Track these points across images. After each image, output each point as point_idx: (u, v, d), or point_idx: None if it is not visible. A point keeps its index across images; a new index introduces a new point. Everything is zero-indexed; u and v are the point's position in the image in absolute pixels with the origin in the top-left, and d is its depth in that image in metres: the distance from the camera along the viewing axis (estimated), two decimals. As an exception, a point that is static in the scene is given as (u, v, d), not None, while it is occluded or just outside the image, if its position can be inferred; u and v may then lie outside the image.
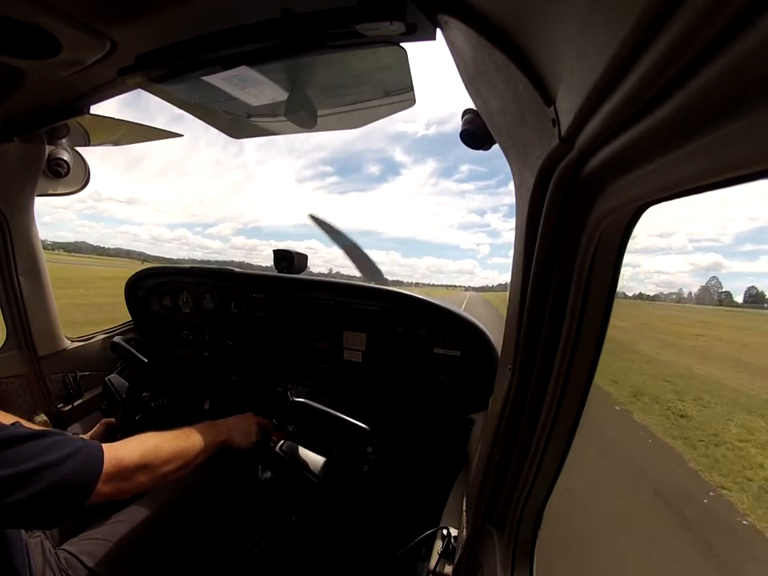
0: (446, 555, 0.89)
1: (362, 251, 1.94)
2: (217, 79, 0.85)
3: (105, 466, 0.76)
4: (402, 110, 1.01)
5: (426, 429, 1.41)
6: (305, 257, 1.64)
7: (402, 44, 0.69)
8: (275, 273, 1.63)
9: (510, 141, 0.57)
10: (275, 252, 1.62)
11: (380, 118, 1.10)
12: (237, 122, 1.16)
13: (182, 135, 1.44)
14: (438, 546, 0.92)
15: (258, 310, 1.65)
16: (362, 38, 0.64)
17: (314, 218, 1.98)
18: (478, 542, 0.78)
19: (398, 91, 0.92)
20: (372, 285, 1.55)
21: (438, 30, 0.62)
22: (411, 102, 0.95)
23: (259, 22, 0.70)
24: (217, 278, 1.75)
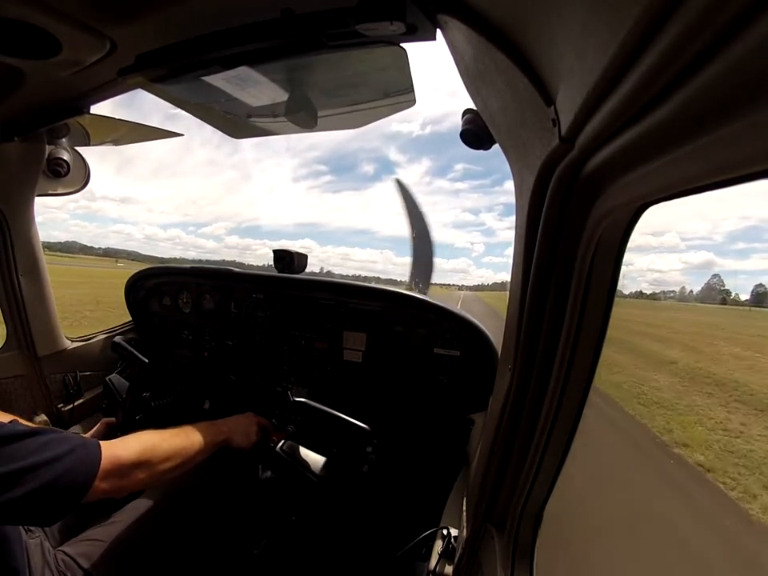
0: (446, 555, 0.89)
1: (431, 249, 1.71)
2: (217, 79, 0.85)
3: (102, 464, 0.76)
4: (402, 110, 1.01)
5: (425, 429, 1.41)
6: (305, 257, 1.64)
7: (402, 44, 0.69)
8: (275, 273, 1.63)
9: (510, 141, 0.57)
10: (275, 252, 1.62)
11: (380, 118, 1.10)
12: (237, 122, 1.16)
13: (181, 135, 1.44)
14: (438, 545, 0.92)
15: (257, 310, 1.65)
16: (362, 38, 0.64)
17: (399, 183, 1.81)
18: (478, 542, 0.78)
19: (398, 91, 0.92)
20: (372, 285, 1.55)
21: (438, 30, 0.62)
22: (411, 102, 0.95)
23: (259, 22, 0.70)
24: (217, 278, 1.75)
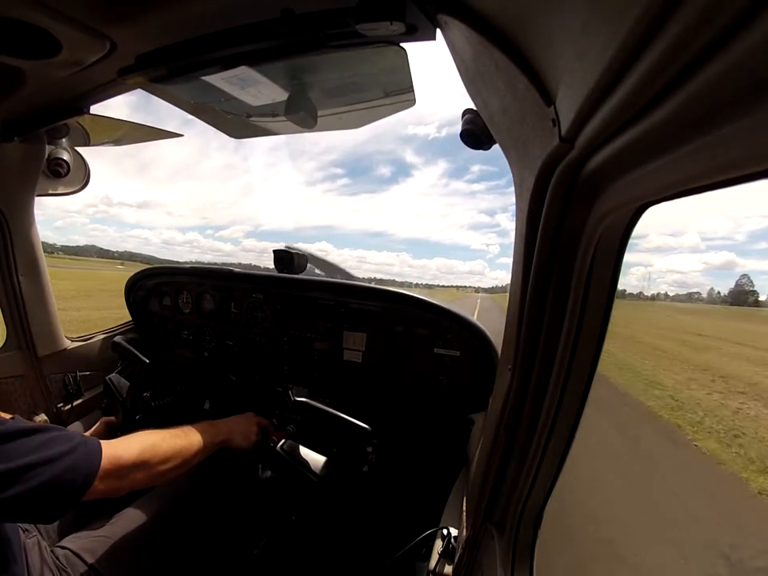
0: (446, 555, 0.89)
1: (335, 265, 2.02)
2: (217, 79, 0.85)
3: (102, 463, 0.76)
4: (401, 110, 1.01)
5: (426, 429, 1.41)
6: (305, 257, 1.64)
7: (402, 44, 0.69)
8: (275, 273, 1.63)
9: (510, 141, 0.57)
10: (275, 252, 1.62)
11: (380, 118, 1.10)
12: (237, 121, 1.17)
13: (181, 135, 1.44)
14: (438, 545, 0.92)
15: (257, 310, 1.65)
16: (362, 38, 0.64)
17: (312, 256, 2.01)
18: (478, 542, 0.78)
19: (397, 91, 0.92)
20: (372, 285, 1.55)
21: (438, 30, 0.62)
22: (411, 102, 0.95)
23: (259, 22, 0.70)
24: (217, 277, 1.75)
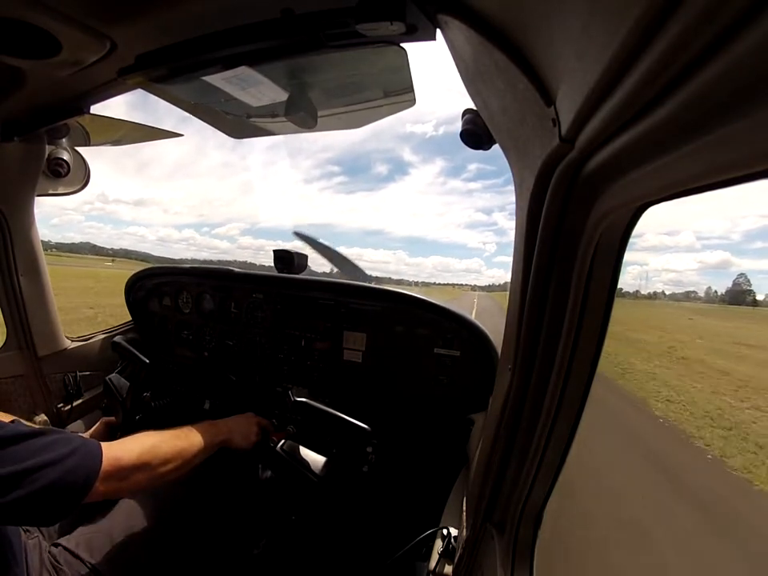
0: (446, 555, 0.89)
1: (348, 259, 2.09)
2: (217, 79, 0.85)
3: (103, 465, 0.76)
4: (401, 110, 1.01)
5: (426, 429, 1.41)
6: (305, 257, 1.64)
7: (402, 44, 0.69)
8: (275, 273, 1.63)
9: (510, 141, 0.57)
10: (275, 252, 1.62)
11: (380, 118, 1.10)
12: (237, 121, 1.17)
13: (181, 135, 1.44)
14: (438, 545, 0.92)
15: (257, 310, 1.65)
16: (362, 38, 0.65)
17: (299, 234, 2.05)
18: (478, 542, 0.78)
19: (397, 91, 0.92)
20: (372, 285, 1.55)
21: (438, 30, 0.62)
22: (411, 102, 0.95)
23: (259, 22, 0.70)
24: (216, 278, 1.75)
